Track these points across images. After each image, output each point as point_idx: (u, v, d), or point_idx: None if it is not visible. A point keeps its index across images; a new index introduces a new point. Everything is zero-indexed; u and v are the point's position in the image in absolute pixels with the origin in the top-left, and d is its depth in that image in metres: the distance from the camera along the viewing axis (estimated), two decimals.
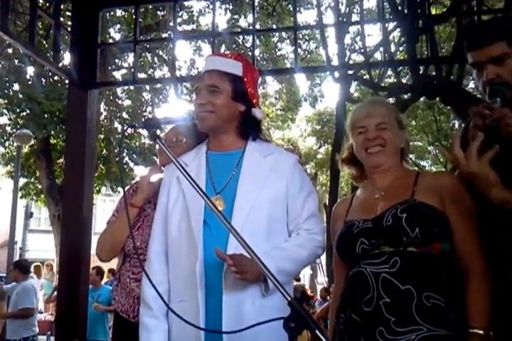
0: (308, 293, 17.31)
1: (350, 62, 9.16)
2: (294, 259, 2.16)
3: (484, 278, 1.93)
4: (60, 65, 4.60)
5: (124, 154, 14.68)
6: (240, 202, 2.16)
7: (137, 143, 15.23)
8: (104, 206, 27.72)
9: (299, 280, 15.75)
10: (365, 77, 6.98)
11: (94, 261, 3.99)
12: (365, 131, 2.17)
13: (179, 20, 12.94)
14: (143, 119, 14.32)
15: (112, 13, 12.21)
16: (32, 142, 13.06)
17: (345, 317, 2.01)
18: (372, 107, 2.22)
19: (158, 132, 1.96)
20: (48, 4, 7.99)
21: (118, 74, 14.73)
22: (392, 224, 1.97)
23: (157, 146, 3.08)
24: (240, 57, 2.38)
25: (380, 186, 2.16)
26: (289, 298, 1.47)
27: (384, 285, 1.91)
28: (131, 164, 15.26)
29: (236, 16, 13.53)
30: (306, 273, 29.06)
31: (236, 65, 2.29)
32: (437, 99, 6.45)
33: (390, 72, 9.34)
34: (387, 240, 1.97)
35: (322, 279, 18.07)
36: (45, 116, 12.58)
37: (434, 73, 5.38)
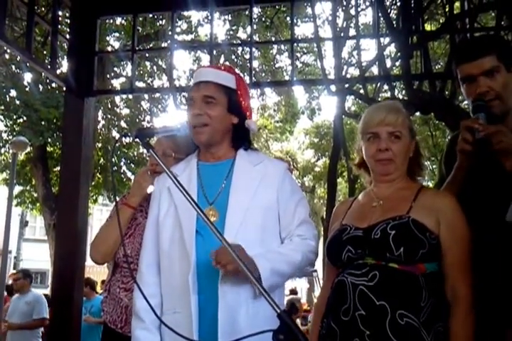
0: (305, 307, 17.26)
1: (347, 76, 9.23)
2: (289, 262, 2.15)
3: (469, 309, 1.91)
4: (58, 72, 4.61)
5: (122, 163, 14.67)
6: (232, 212, 2.16)
7: (135, 153, 15.22)
8: (101, 216, 27.54)
9: (296, 293, 15.66)
10: (361, 91, 7.01)
11: (89, 272, 3.96)
12: (377, 138, 2.10)
13: (178, 30, 12.97)
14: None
15: (111, 21, 12.24)
16: (28, 149, 13.03)
17: (326, 323, 2.02)
18: (388, 114, 2.11)
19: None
20: (45, 11, 7.99)
21: (116, 83, 14.76)
22: (379, 238, 1.95)
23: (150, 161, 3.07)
24: (232, 70, 2.40)
25: (381, 195, 2.13)
26: (278, 310, 1.47)
27: (360, 298, 1.90)
28: (129, 173, 15.25)
29: (235, 27, 13.59)
30: (303, 287, 28.97)
31: (230, 78, 2.31)
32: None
33: (386, 87, 9.39)
34: (372, 252, 1.96)
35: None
36: (42, 123, 12.55)
37: (428, 89, 5.41)
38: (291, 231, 2.23)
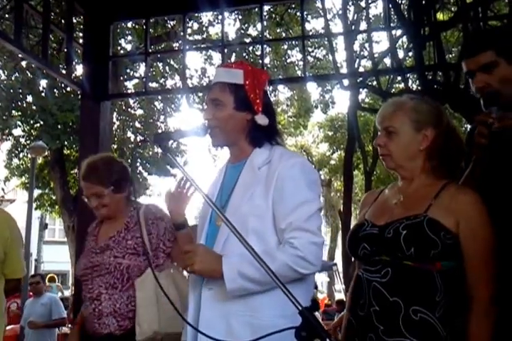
0: (326, 301, 17.25)
1: (360, 69, 9.17)
2: (259, 268, 1.78)
3: (487, 311, 1.88)
4: (73, 76, 4.65)
5: (138, 164, 14.77)
6: (228, 216, 1.99)
7: (150, 153, 15.31)
8: None
9: (316, 287, 15.61)
10: (374, 83, 6.97)
11: None
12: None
13: (189, 30, 13.00)
14: (155, 130, 14.48)
15: (122, 24, 12.29)
16: (46, 153, 13.16)
17: (347, 316, 2.07)
18: (385, 109, 2.14)
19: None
20: (59, 18, 8.06)
21: (130, 84, 14.84)
22: (391, 238, 1.94)
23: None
24: (242, 64, 2.32)
25: (403, 191, 2.11)
26: (300, 307, 1.47)
27: (374, 294, 1.93)
28: (145, 174, 15.35)
29: (245, 25, 13.59)
30: (323, 281, 28.98)
31: (237, 74, 2.24)
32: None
33: (399, 78, 9.33)
34: (386, 250, 1.96)
35: (340, 287, 17.98)
36: (59, 127, 12.67)
37: (442, 79, 5.36)
38: (284, 237, 2.03)
